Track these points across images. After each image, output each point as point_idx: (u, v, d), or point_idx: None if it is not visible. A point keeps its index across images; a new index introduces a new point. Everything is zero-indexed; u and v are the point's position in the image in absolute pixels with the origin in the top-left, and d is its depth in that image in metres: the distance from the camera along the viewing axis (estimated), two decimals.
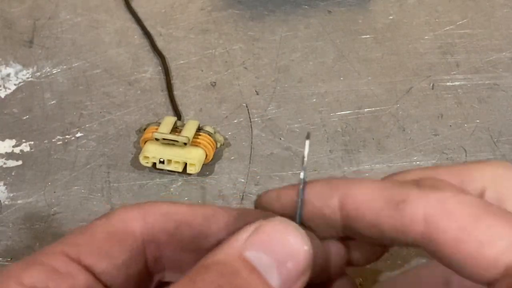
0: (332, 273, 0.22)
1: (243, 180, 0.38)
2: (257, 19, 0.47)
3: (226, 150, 0.39)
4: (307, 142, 0.21)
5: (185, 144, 0.36)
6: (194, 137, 0.37)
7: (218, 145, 0.38)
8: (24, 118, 0.41)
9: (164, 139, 0.36)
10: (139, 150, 0.38)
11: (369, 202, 0.19)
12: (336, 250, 0.21)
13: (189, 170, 0.36)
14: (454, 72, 0.44)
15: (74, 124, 0.40)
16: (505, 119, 0.41)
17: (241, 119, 0.41)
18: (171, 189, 0.37)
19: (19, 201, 0.36)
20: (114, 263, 0.20)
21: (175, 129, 0.38)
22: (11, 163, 0.38)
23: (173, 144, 0.36)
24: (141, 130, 0.39)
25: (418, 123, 0.40)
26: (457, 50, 0.45)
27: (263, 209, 0.21)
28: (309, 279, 0.19)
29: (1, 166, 0.38)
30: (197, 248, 0.21)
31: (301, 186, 0.20)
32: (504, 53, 0.45)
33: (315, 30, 0.47)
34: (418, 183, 0.20)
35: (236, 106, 0.41)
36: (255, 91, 0.43)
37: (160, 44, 0.46)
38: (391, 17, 0.48)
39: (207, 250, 0.19)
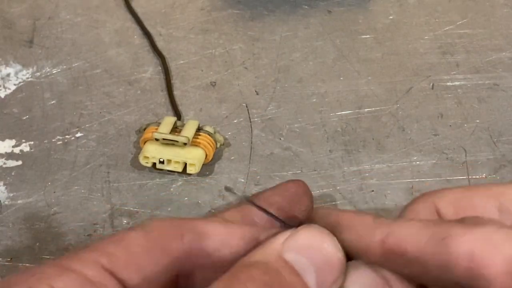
0: None
1: (243, 180, 0.38)
2: (257, 19, 0.47)
3: (226, 150, 0.39)
4: None
5: (185, 144, 0.36)
6: (194, 137, 0.37)
7: (218, 145, 0.38)
8: (24, 118, 0.41)
9: (164, 139, 0.36)
10: (139, 150, 0.38)
11: (413, 237, 0.18)
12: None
13: (189, 170, 0.36)
14: (454, 72, 0.44)
15: (74, 124, 0.40)
16: (505, 119, 0.41)
17: (241, 119, 0.41)
18: (171, 189, 0.37)
19: (19, 201, 0.36)
20: (147, 278, 0.20)
21: (175, 129, 0.38)
22: (11, 163, 0.38)
23: (173, 144, 0.36)
24: (141, 130, 0.39)
25: (418, 123, 0.40)
26: (457, 50, 0.45)
27: (313, 222, 0.21)
28: None
29: (1, 166, 0.38)
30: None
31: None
32: (504, 53, 0.45)
33: (315, 30, 0.47)
34: (461, 220, 0.19)
35: (236, 106, 0.41)
36: (255, 91, 0.43)
37: (160, 44, 0.46)
38: (391, 17, 0.48)
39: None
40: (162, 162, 0.36)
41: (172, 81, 0.43)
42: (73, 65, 0.44)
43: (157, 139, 0.36)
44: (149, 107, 0.41)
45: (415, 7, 0.49)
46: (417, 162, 0.38)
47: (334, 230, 0.20)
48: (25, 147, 0.39)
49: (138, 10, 0.48)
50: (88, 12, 0.48)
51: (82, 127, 0.40)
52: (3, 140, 0.40)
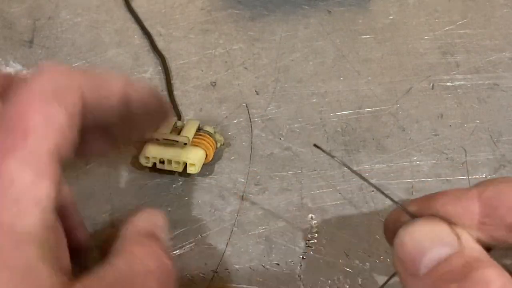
0: None
1: (243, 180, 0.38)
2: (257, 19, 0.47)
3: (226, 150, 0.39)
4: None
5: (185, 144, 0.36)
6: (194, 137, 0.37)
7: (218, 145, 0.38)
8: None
9: (164, 139, 0.36)
10: (139, 150, 0.38)
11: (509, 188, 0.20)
12: None
13: (189, 170, 0.36)
14: (454, 72, 0.44)
15: None
16: (505, 119, 0.41)
17: (241, 119, 0.41)
18: (171, 189, 0.37)
19: None
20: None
21: (175, 129, 0.38)
22: None
23: (173, 144, 0.36)
24: None
25: (418, 123, 0.41)
26: (457, 50, 0.45)
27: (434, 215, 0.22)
28: None
29: None
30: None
31: None
32: (504, 53, 0.45)
33: (315, 30, 0.47)
34: None
35: (236, 106, 0.41)
36: (255, 91, 0.43)
37: (160, 44, 0.46)
38: (391, 17, 0.48)
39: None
40: (163, 162, 0.36)
41: (172, 81, 0.43)
42: (73, 65, 0.44)
43: (157, 139, 0.36)
44: None
45: (415, 7, 0.49)
46: (417, 162, 0.38)
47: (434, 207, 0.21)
48: None
49: (138, 10, 0.48)
50: (88, 12, 0.48)
51: None
52: None
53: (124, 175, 0.38)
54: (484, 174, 0.38)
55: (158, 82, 0.43)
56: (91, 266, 0.21)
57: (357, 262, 0.34)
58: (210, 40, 0.46)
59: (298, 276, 0.34)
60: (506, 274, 0.18)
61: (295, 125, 0.40)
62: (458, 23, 0.47)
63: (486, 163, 0.38)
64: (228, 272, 0.34)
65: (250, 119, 0.41)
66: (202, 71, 0.44)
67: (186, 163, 0.36)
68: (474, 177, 0.38)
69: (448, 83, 0.43)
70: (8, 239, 0.18)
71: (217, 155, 0.38)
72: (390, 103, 0.42)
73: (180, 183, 0.37)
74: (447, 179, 0.37)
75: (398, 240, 0.20)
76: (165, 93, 0.42)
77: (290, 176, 0.38)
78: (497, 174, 0.38)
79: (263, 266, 0.34)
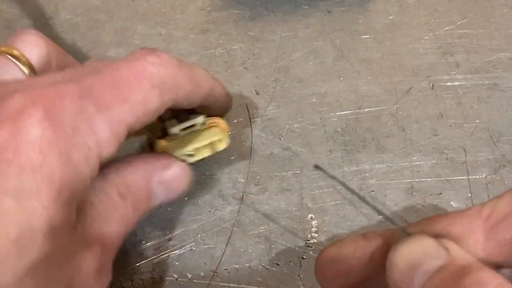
0: None
1: (243, 180, 0.38)
2: (257, 19, 0.47)
3: (226, 150, 0.39)
4: None
5: (202, 124, 0.32)
6: (205, 122, 0.32)
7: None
8: None
9: (181, 130, 0.31)
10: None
11: None
12: None
13: (219, 147, 0.33)
14: (454, 72, 0.44)
15: None
16: (505, 119, 0.41)
17: (241, 119, 0.41)
18: None
19: None
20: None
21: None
22: None
23: (190, 133, 0.32)
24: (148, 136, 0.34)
25: (418, 123, 0.41)
26: (457, 50, 0.45)
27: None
28: None
29: None
30: None
31: None
32: (504, 53, 0.45)
33: (315, 30, 0.47)
34: None
35: (236, 106, 0.41)
36: (255, 91, 0.43)
37: (160, 44, 0.46)
38: (391, 17, 0.48)
39: None
40: (191, 155, 0.32)
41: None
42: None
43: (173, 134, 0.31)
44: None
45: (415, 7, 0.49)
46: (417, 162, 0.38)
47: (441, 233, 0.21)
48: None
49: (138, 10, 0.48)
50: (88, 12, 0.48)
51: None
52: None
53: None
54: (484, 174, 0.38)
55: None
56: None
57: None
58: (210, 40, 0.46)
59: (298, 276, 0.34)
60: (500, 276, 0.18)
61: (295, 125, 0.40)
62: (458, 23, 0.47)
63: (486, 163, 0.38)
64: (228, 272, 0.34)
65: (250, 119, 0.41)
66: None
67: (212, 145, 0.32)
68: (474, 177, 0.38)
69: (448, 83, 0.43)
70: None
71: (217, 155, 0.38)
72: (390, 103, 0.42)
73: None
74: (447, 179, 0.37)
75: (388, 262, 0.20)
76: None
77: (290, 176, 0.38)
78: (497, 174, 0.38)
79: (263, 266, 0.34)
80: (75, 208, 0.23)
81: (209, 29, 0.47)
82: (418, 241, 0.20)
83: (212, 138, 0.32)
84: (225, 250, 0.35)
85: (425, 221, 0.22)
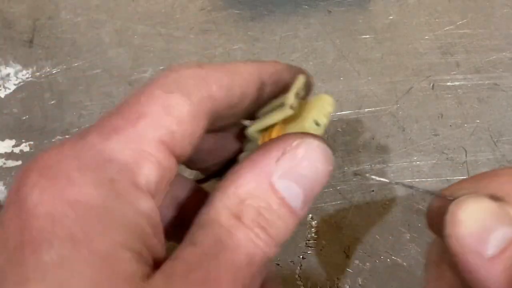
0: None
1: None
2: (257, 19, 0.47)
3: None
4: None
5: (291, 107, 0.22)
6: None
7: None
8: (24, 118, 0.41)
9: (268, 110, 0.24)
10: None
11: None
12: None
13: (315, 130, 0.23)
14: (454, 72, 0.44)
15: (74, 124, 0.40)
16: (505, 119, 0.41)
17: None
18: None
19: None
20: (193, 143, 0.19)
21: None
22: (11, 163, 0.38)
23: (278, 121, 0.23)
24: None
25: (418, 123, 0.40)
26: (457, 50, 0.45)
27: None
28: None
29: (1, 166, 0.38)
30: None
31: None
32: (504, 53, 0.45)
33: (315, 30, 0.47)
34: None
35: None
36: None
37: (160, 44, 0.46)
38: (391, 17, 0.48)
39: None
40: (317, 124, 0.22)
41: None
42: (73, 65, 0.44)
43: (257, 132, 0.24)
44: None
45: (415, 7, 0.49)
46: (417, 162, 0.38)
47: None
48: (25, 147, 0.39)
49: (138, 10, 0.48)
50: (88, 12, 0.48)
51: (82, 127, 0.40)
52: (3, 140, 0.40)
53: None
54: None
55: None
56: None
57: (357, 262, 0.34)
58: (210, 40, 0.46)
59: (298, 276, 0.34)
60: None
61: None
62: (458, 23, 0.47)
63: (486, 163, 0.38)
64: None
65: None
66: None
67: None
68: None
69: (448, 83, 0.43)
70: (96, 222, 0.16)
71: None
72: (390, 103, 0.42)
73: None
74: (447, 179, 0.37)
75: (453, 217, 0.18)
76: None
77: None
78: None
79: None
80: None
81: (209, 29, 0.47)
82: (484, 202, 0.18)
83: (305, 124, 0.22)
84: None
85: (473, 180, 0.20)
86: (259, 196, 0.18)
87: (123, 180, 0.17)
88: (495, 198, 0.19)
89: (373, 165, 0.38)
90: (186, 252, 0.17)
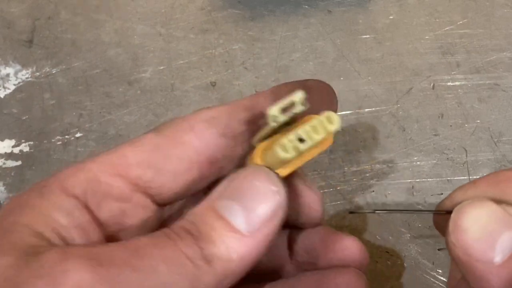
0: (306, 220, 0.23)
1: None
2: (257, 19, 0.47)
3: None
4: None
5: (275, 121, 0.21)
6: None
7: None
8: (24, 118, 0.41)
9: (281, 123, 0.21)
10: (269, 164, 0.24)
11: None
12: (311, 198, 0.22)
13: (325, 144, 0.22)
14: (455, 72, 0.43)
15: (73, 124, 0.40)
16: (506, 119, 0.41)
17: None
18: None
19: None
20: (164, 173, 0.21)
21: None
22: (11, 163, 0.38)
23: (284, 129, 0.22)
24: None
25: (418, 123, 0.40)
26: (457, 50, 0.45)
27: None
28: (284, 222, 0.19)
29: (1, 166, 0.38)
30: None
31: None
32: (504, 53, 0.45)
33: (315, 30, 0.47)
34: None
35: None
36: (255, 91, 0.42)
37: (160, 44, 0.46)
38: (391, 17, 0.48)
39: None
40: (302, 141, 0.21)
41: (172, 81, 0.43)
42: (73, 65, 0.44)
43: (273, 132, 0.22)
44: (149, 107, 0.41)
45: (415, 7, 0.48)
46: (418, 162, 0.38)
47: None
48: (24, 147, 0.39)
49: (138, 10, 0.48)
50: (88, 12, 0.48)
51: (82, 127, 0.40)
52: (2, 140, 0.40)
53: None
54: (485, 174, 0.38)
55: (158, 82, 0.43)
56: None
57: None
58: (210, 40, 0.46)
59: None
60: None
61: None
62: (458, 23, 0.47)
63: (486, 163, 0.38)
64: None
65: None
66: (202, 71, 0.44)
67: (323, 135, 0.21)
68: (475, 177, 0.38)
69: (449, 83, 0.43)
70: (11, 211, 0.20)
71: None
72: (390, 103, 0.42)
73: None
74: (447, 179, 0.37)
75: (456, 226, 0.18)
76: (165, 93, 0.42)
77: None
78: None
79: None
80: None
81: (209, 29, 0.47)
82: (486, 206, 0.18)
83: (321, 130, 0.21)
84: None
85: (489, 182, 0.20)
86: (196, 213, 0.19)
87: (52, 185, 0.20)
88: (496, 201, 0.18)
89: (373, 165, 0.38)
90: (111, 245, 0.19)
